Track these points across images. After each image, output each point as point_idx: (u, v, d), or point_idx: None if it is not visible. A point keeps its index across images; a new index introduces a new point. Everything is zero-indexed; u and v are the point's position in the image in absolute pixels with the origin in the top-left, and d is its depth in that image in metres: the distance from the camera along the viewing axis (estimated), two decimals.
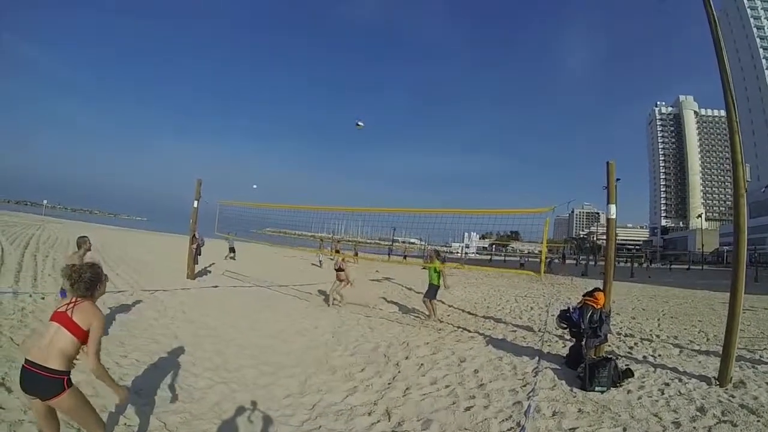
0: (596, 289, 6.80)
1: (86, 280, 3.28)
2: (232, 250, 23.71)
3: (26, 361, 3.02)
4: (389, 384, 5.94)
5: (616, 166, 7.06)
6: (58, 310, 3.19)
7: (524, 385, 5.76)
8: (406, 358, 7.18)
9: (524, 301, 14.93)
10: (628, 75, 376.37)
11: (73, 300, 3.23)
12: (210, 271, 17.25)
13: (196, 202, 14.68)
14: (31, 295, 9.07)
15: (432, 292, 10.64)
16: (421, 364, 6.79)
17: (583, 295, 6.89)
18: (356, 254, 34.27)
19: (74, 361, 3.17)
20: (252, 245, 25.72)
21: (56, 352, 3.02)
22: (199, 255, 15.63)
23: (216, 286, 13.47)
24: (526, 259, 37.24)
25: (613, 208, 7.08)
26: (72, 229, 33.39)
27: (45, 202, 76.03)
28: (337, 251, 16.29)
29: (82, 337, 3.12)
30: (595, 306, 6.50)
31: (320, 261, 27.60)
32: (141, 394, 5.15)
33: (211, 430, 4.52)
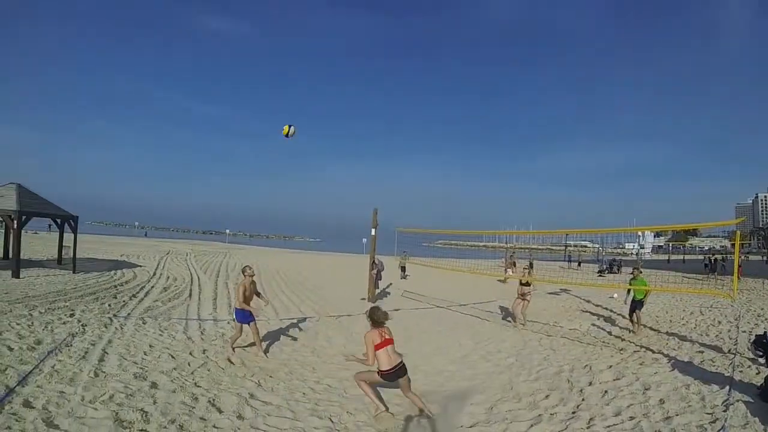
0: None
1: (385, 314, 5.91)
2: (403, 269, 24.88)
3: (399, 362, 5.61)
4: (573, 413, 6.01)
5: None
6: (386, 337, 5.69)
7: (713, 421, 5.54)
8: (590, 383, 7.22)
9: (710, 313, 13.88)
10: None
11: (381, 329, 5.71)
12: (389, 293, 18.38)
13: (373, 230, 15.94)
14: (228, 322, 10.66)
15: (637, 305, 11.17)
16: (605, 391, 6.79)
17: None
18: (531, 266, 33.63)
19: None
20: (424, 260, 26.89)
21: (398, 355, 5.72)
22: (380, 280, 16.95)
23: (397, 309, 14.38)
24: (712, 257, 33.56)
25: None
26: (253, 254, 37.61)
27: (228, 230, 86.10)
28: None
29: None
30: None
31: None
32: (335, 419, 5.72)
33: None
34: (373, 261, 16.17)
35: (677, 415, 5.80)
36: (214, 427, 5.20)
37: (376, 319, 5.76)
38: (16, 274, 14.65)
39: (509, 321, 13.04)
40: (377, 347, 5.58)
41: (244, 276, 8.64)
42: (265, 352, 8.58)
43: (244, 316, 8.39)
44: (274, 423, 5.47)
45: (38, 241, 32.16)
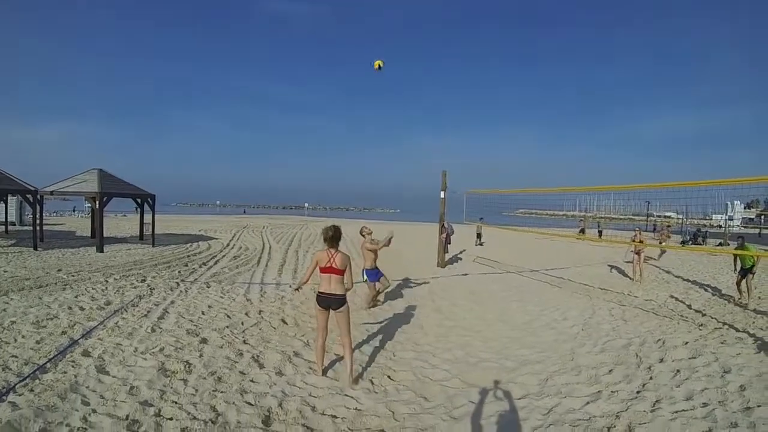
0: None
1: (338, 237, 5.52)
2: (479, 236, 24.50)
3: (336, 293, 5.38)
4: (638, 392, 5.37)
5: None
6: (334, 267, 5.33)
7: None
8: (661, 360, 6.56)
9: None
10: None
11: (331, 253, 5.39)
12: (461, 258, 18.24)
13: (442, 193, 15.60)
14: (290, 286, 11.06)
15: (743, 272, 11.02)
16: (677, 371, 6.08)
17: None
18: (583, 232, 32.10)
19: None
20: (503, 229, 26.16)
21: (342, 290, 5.43)
22: (449, 244, 16.62)
23: (466, 274, 14.23)
24: None
25: None
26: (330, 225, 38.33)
27: (306, 204, 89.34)
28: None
29: (342, 274, 5.38)
30: None
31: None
32: (375, 381, 5.60)
33: (438, 426, 4.45)
34: (443, 225, 15.85)
35: (759, 406, 4.93)
36: (251, 381, 5.39)
37: (325, 237, 5.53)
38: (100, 249, 16.35)
39: (628, 278, 14.44)
40: (321, 270, 5.43)
41: (363, 237, 9.35)
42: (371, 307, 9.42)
43: (375, 275, 9.21)
44: (312, 381, 5.51)
45: (125, 222, 35.31)
